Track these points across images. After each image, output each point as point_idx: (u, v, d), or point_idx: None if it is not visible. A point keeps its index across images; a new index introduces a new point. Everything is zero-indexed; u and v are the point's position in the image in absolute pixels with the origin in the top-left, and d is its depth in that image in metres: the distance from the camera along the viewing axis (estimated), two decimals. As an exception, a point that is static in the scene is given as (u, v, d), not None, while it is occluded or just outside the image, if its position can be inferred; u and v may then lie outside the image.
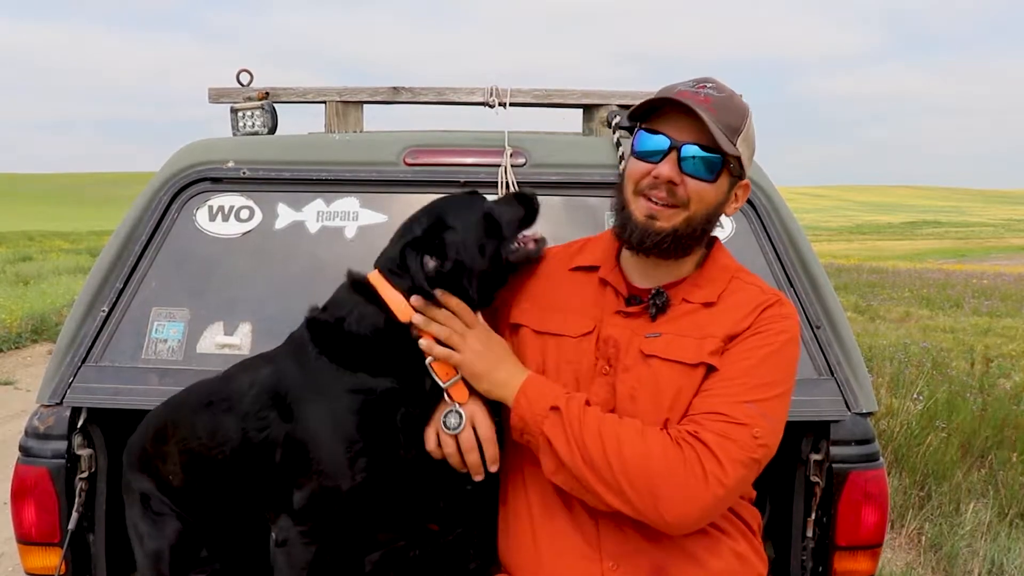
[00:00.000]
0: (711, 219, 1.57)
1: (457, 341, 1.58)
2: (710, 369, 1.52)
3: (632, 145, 1.58)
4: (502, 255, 1.66)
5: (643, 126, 1.56)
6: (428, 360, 1.60)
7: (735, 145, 1.50)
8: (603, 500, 1.47)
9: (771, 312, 1.58)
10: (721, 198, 1.57)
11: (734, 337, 1.55)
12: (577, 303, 1.65)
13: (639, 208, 1.55)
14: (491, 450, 1.62)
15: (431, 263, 1.60)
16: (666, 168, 1.51)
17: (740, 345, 1.54)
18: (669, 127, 1.52)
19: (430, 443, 1.63)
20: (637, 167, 1.56)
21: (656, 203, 1.53)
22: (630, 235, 1.56)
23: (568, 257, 1.74)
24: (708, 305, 1.59)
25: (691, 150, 1.50)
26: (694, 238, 1.57)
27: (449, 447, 1.61)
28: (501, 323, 1.74)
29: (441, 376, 1.60)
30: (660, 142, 1.52)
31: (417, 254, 1.59)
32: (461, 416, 1.60)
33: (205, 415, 1.67)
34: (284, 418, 1.60)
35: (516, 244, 1.69)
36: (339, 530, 1.62)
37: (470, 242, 1.62)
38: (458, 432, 1.60)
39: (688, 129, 1.50)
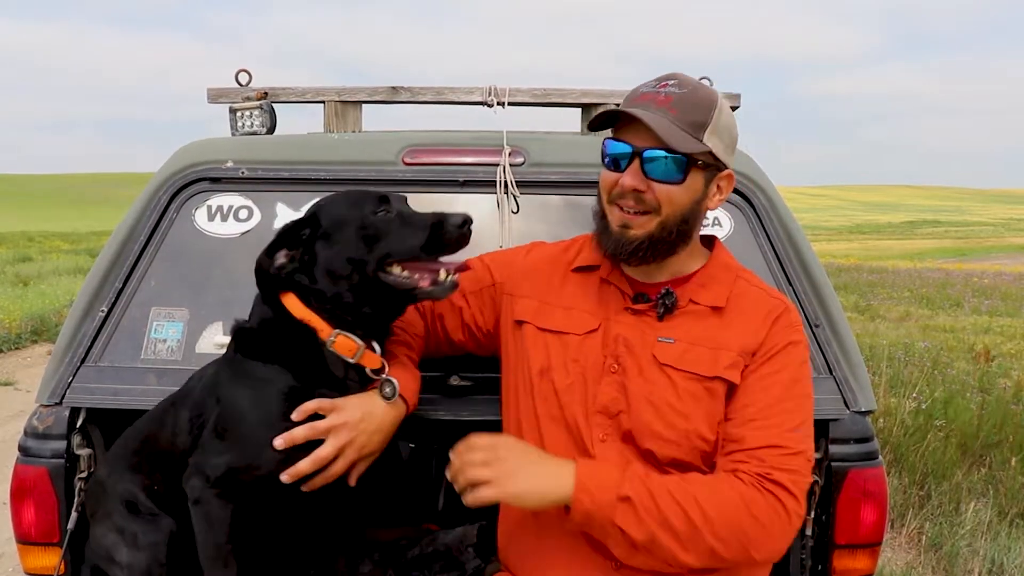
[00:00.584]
0: (688, 219, 1.55)
1: (483, 473, 1.47)
2: (728, 384, 1.53)
3: (601, 154, 1.58)
4: (380, 277, 1.56)
5: (610, 135, 1.56)
6: (329, 341, 1.58)
7: (702, 141, 1.49)
8: (688, 565, 1.44)
9: (784, 322, 1.59)
10: (696, 195, 1.55)
11: (754, 353, 1.54)
12: (581, 301, 1.66)
13: (614, 218, 1.56)
14: (330, 471, 1.58)
15: (281, 258, 1.59)
16: (629, 178, 1.51)
17: (766, 366, 1.54)
18: (632, 133, 1.52)
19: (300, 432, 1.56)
20: (606, 177, 1.57)
21: (628, 212, 1.53)
22: (607, 243, 1.58)
23: (569, 259, 1.73)
24: (716, 310, 1.59)
25: (653, 154, 1.49)
26: (671, 240, 1.55)
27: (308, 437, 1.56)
28: (504, 321, 1.74)
29: (347, 355, 1.59)
30: (623, 149, 1.52)
31: (274, 249, 1.59)
32: (394, 384, 1.60)
33: (170, 414, 1.70)
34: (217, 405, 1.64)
35: (406, 273, 1.57)
36: (258, 499, 1.61)
37: (336, 253, 1.58)
38: (392, 400, 1.60)
39: (651, 133, 1.48)
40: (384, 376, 1.61)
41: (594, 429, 1.57)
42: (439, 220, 1.56)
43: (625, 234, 1.54)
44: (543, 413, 1.62)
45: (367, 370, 1.62)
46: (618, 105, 1.56)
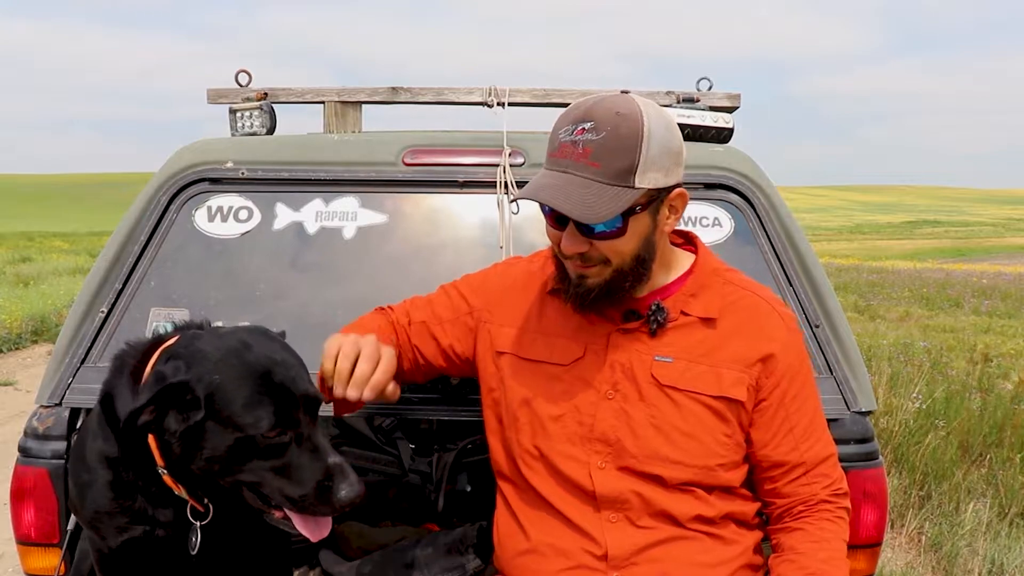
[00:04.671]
0: (643, 257, 1.48)
1: None
2: (734, 402, 1.53)
3: (541, 209, 1.50)
4: (240, 491, 1.40)
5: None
6: (161, 471, 1.45)
7: (633, 187, 1.39)
8: None
9: (783, 329, 1.58)
10: (645, 233, 1.46)
11: (764, 360, 1.54)
12: (561, 327, 1.59)
13: (569, 268, 1.51)
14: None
15: (146, 415, 1.35)
16: (568, 244, 1.45)
17: (795, 384, 1.57)
18: None
19: None
20: (551, 233, 1.50)
21: (579, 266, 1.49)
22: (567, 293, 1.53)
23: (545, 278, 1.65)
24: (707, 321, 1.55)
25: None
26: (630, 282, 1.50)
27: None
28: (483, 349, 1.67)
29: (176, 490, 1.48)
30: (557, 211, 1.43)
31: (156, 397, 1.34)
32: (197, 535, 1.51)
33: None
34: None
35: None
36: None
37: (206, 449, 1.36)
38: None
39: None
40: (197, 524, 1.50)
41: (592, 457, 1.54)
42: (328, 477, 1.36)
43: (583, 283, 1.49)
44: (527, 444, 1.58)
45: (188, 509, 1.50)
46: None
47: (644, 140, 1.38)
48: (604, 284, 1.48)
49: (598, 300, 1.50)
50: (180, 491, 1.48)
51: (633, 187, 1.39)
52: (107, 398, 1.51)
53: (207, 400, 1.35)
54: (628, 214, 1.42)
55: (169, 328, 1.61)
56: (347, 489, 1.35)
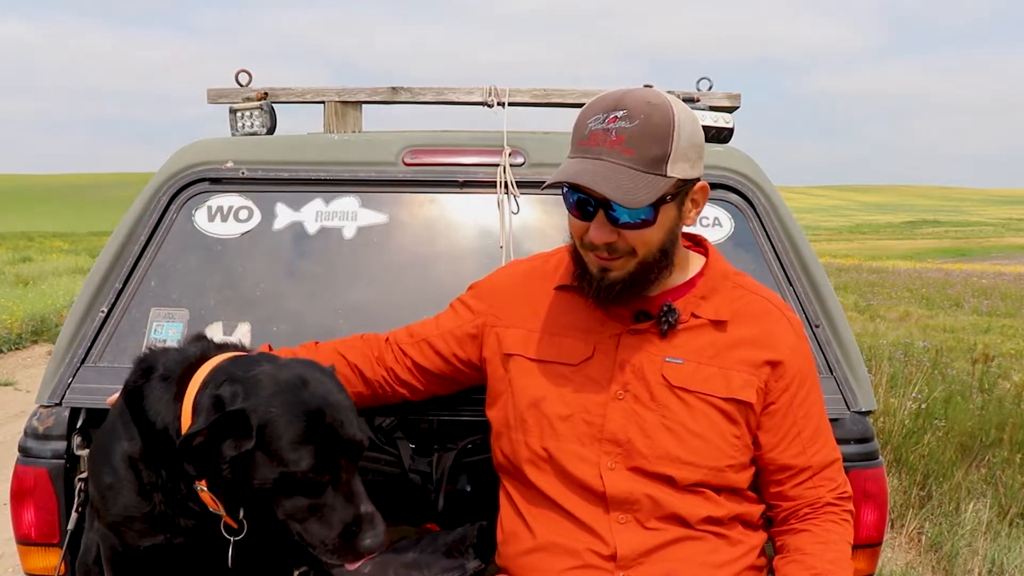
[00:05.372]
0: (667, 249, 1.49)
1: None
2: (744, 404, 1.53)
3: (564, 201, 1.49)
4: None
5: (567, 184, 1.45)
6: (197, 487, 1.44)
7: (665, 175, 1.39)
8: None
9: (792, 334, 1.59)
10: (671, 224, 1.47)
11: (774, 365, 1.55)
12: (569, 326, 1.59)
13: (591, 261, 1.50)
14: None
15: (200, 438, 1.34)
16: (597, 233, 1.44)
17: (803, 389, 1.58)
18: None
19: None
20: (575, 224, 1.49)
21: (604, 258, 1.47)
22: (587, 288, 1.52)
23: (548, 273, 1.66)
24: (717, 324, 1.55)
25: (618, 205, 1.40)
26: (654, 275, 1.50)
27: None
28: (491, 354, 1.67)
29: (212, 506, 1.47)
30: (585, 202, 1.43)
31: (222, 430, 1.35)
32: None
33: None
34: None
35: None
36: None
37: (251, 473, 1.36)
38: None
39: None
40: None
41: (602, 457, 1.53)
42: (356, 523, 1.38)
43: (606, 277, 1.48)
44: (535, 446, 1.57)
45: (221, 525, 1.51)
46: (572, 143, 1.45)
47: (675, 130, 1.39)
48: (628, 277, 1.48)
49: (622, 293, 1.50)
50: (217, 508, 1.47)
51: (665, 175, 1.39)
52: (135, 395, 1.50)
53: (259, 431, 1.36)
54: (659, 203, 1.42)
55: (214, 339, 1.61)
56: (371, 539, 1.38)
